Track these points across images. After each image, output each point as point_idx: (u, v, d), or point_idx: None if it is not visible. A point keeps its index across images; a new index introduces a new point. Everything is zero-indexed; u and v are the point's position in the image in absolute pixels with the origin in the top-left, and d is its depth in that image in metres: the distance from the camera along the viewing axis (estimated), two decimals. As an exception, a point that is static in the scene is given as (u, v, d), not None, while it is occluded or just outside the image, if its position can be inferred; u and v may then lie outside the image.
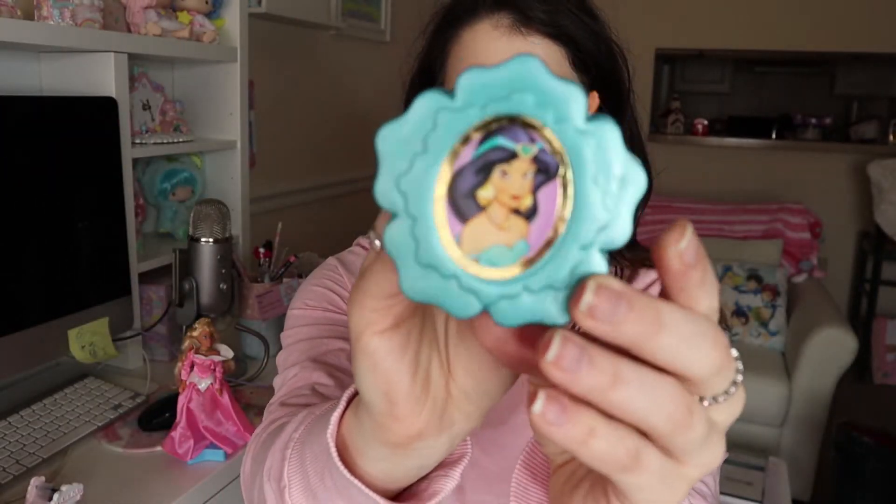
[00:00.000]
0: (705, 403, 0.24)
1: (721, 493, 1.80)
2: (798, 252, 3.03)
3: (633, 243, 0.72)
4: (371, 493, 0.34)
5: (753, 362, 2.60)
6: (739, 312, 2.81)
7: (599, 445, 0.22)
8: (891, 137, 3.24)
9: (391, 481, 0.35)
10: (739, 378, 0.24)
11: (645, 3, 3.30)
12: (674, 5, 3.36)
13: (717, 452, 0.25)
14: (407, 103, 0.73)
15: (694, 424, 0.23)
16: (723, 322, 0.71)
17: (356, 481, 0.35)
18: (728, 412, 0.25)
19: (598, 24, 0.67)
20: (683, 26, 3.35)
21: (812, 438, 2.44)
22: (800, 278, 2.98)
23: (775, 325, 2.76)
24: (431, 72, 0.69)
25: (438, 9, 0.70)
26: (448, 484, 0.37)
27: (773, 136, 3.42)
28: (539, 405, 0.22)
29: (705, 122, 3.46)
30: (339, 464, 0.35)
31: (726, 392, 0.24)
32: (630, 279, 0.70)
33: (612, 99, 0.68)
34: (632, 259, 0.71)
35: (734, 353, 0.24)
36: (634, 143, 0.71)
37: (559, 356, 0.21)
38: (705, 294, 0.22)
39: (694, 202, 3.23)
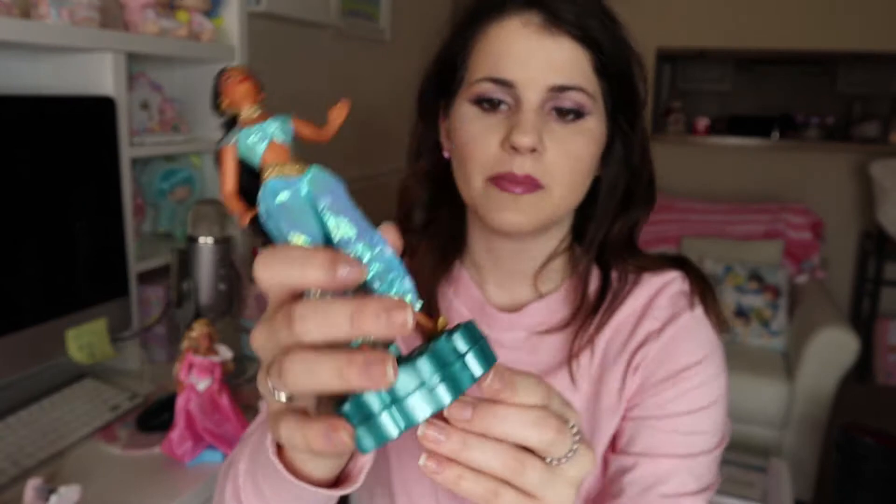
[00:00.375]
0: (555, 463, 0.37)
1: (722, 493, 1.79)
2: (799, 252, 3.02)
3: (636, 250, 0.73)
4: (323, 490, 0.44)
5: (755, 363, 2.60)
6: (741, 313, 2.80)
7: (467, 485, 0.35)
8: (893, 137, 3.22)
9: (333, 472, 0.45)
10: (576, 446, 0.37)
11: (646, 2, 3.29)
12: (675, 5, 3.36)
13: (563, 494, 0.37)
14: (421, 96, 0.73)
15: (526, 472, 0.35)
16: (723, 324, 0.71)
17: (307, 485, 0.43)
18: (576, 468, 0.37)
19: (620, 29, 0.66)
20: (685, 26, 3.34)
21: (814, 439, 2.44)
22: (801, 278, 2.97)
23: (777, 325, 2.76)
24: (452, 66, 0.68)
25: (463, 5, 0.69)
26: (369, 455, 0.46)
27: (775, 135, 3.41)
28: (422, 460, 0.35)
29: (707, 122, 3.45)
30: (288, 475, 0.43)
31: (566, 455, 0.37)
32: (635, 284, 0.71)
33: (626, 108, 0.67)
34: (636, 265, 0.71)
35: (573, 429, 0.37)
36: (644, 156, 0.70)
37: (424, 435, 0.35)
38: (524, 399, 0.35)
39: (695, 202, 3.22)
